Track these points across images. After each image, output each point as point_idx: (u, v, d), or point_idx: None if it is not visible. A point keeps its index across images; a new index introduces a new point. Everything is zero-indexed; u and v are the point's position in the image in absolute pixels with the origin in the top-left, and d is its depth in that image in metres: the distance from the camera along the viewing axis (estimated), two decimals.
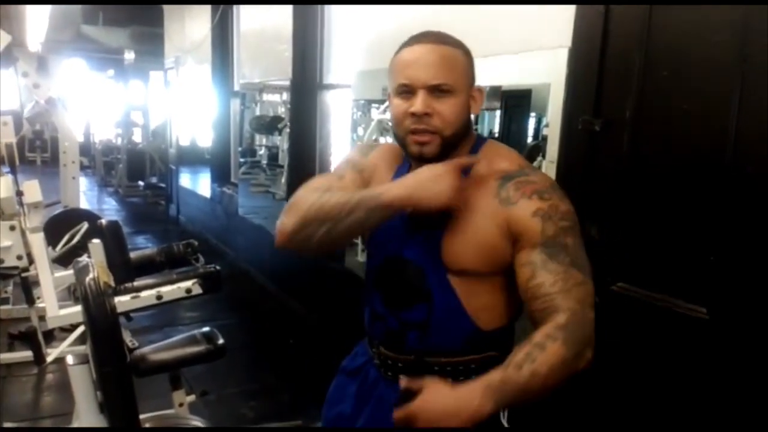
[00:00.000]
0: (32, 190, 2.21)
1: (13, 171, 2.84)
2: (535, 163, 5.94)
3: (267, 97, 7.93)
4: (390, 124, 5.16)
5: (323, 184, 1.19)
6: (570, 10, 1.92)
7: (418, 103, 1.07)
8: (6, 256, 1.90)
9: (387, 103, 5.28)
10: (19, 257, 1.90)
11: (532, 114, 6.49)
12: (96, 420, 1.07)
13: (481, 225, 1.10)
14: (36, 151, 12.19)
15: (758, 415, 1.46)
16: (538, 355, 0.95)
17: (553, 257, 1.05)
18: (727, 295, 1.52)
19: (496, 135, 7.26)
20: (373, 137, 5.89)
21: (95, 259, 1.02)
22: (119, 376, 0.96)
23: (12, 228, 1.88)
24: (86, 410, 1.07)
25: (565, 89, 1.97)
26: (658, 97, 1.68)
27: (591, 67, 1.84)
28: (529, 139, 6.62)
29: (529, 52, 2.90)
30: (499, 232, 1.09)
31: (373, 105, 6.65)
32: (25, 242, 1.93)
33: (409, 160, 1.19)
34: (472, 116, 1.17)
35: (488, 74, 6.26)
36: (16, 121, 3.22)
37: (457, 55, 1.11)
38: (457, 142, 1.12)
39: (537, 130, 6.42)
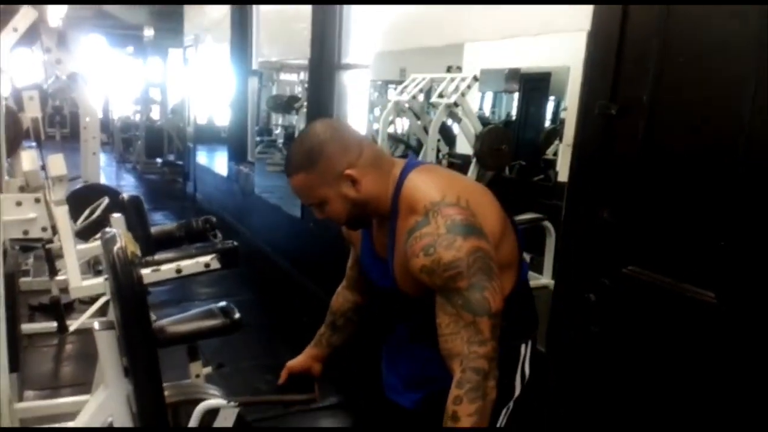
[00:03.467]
0: (57, 163, 2.26)
1: (39, 145, 2.90)
2: (552, 147, 5.90)
3: (284, 76, 7.97)
4: (406, 105, 5.15)
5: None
6: None
7: (316, 213, 1.34)
8: (31, 227, 1.95)
9: (404, 84, 5.29)
10: (44, 229, 1.95)
11: (552, 97, 6.44)
12: (120, 384, 1.12)
13: (406, 270, 1.26)
14: (56, 127, 12.32)
15: (766, 399, 1.48)
16: (457, 424, 1.14)
17: (449, 300, 1.19)
18: (736, 280, 1.53)
19: (513, 118, 7.22)
20: (390, 118, 5.91)
21: (127, 236, 1.07)
22: (145, 342, 1.01)
23: (37, 200, 1.93)
24: (111, 374, 1.12)
25: (583, 73, 1.98)
26: (675, 83, 1.68)
27: (609, 51, 1.84)
28: (548, 123, 6.59)
29: (549, 35, 2.90)
30: (414, 278, 1.24)
31: (390, 86, 6.65)
32: (49, 215, 1.98)
33: None
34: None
35: (507, 56, 6.23)
36: (41, 96, 3.27)
37: (301, 179, 1.28)
38: (361, 213, 1.32)
39: (556, 114, 6.37)
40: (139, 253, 1.05)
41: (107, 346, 1.08)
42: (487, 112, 9.10)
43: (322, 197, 1.29)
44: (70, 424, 1.21)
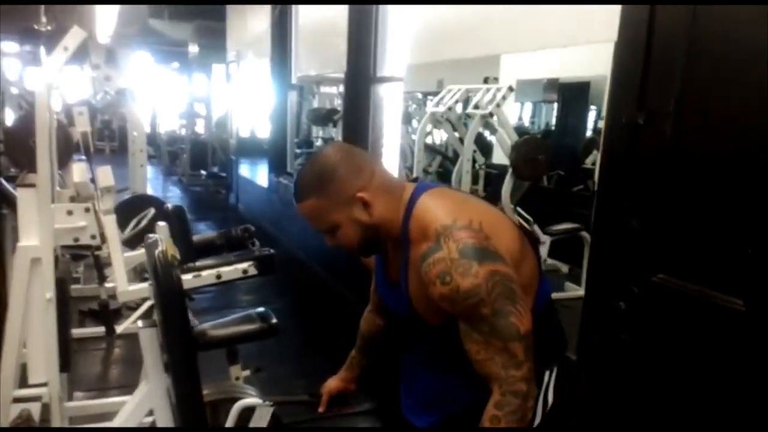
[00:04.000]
0: (105, 175, 2.40)
1: (88, 158, 3.07)
2: (591, 157, 5.83)
3: (324, 89, 8.12)
4: (443, 117, 5.18)
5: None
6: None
7: (326, 240, 1.35)
8: (81, 235, 2.08)
9: (440, 96, 5.34)
10: (93, 236, 2.08)
11: (592, 107, 6.37)
12: (161, 378, 1.20)
13: (424, 297, 1.25)
14: (105, 140, 12.81)
15: None
16: None
17: (474, 328, 1.18)
18: (764, 287, 1.53)
19: (552, 128, 7.16)
20: (427, 129, 5.96)
21: (168, 241, 1.15)
22: (183, 339, 1.08)
23: (87, 210, 2.06)
24: (153, 369, 1.21)
25: (611, 82, 2.00)
26: (701, 91, 1.70)
27: (636, 60, 1.86)
28: (589, 132, 6.52)
29: (587, 45, 2.91)
30: (434, 304, 1.23)
31: (429, 97, 6.69)
32: (98, 223, 2.11)
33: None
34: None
35: (544, 66, 6.19)
36: (90, 111, 3.45)
37: (310, 205, 1.28)
38: (374, 238, 1.31)
39: (595, 123, 6.31)
40: (178, 256, 1.13)
41: (149, 343, 1.16)
42: (526, 122, 9.08)
43: (334, 222, 1.27)
44: (116, 419, 1.30)
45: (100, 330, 3.60)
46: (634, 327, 1.89)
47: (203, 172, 10.75)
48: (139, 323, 1.19)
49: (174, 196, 9.59)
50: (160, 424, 1.21)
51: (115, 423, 1.25)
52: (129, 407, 1.23)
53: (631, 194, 1.90)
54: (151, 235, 1.21)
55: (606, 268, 2.03)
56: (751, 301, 1.56)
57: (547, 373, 1.38)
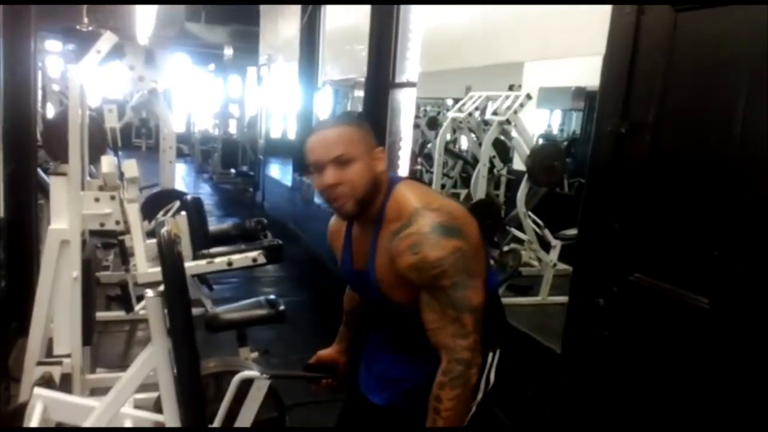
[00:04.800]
0: (131, 167, 2.60)
1: (116, 152, 3.30)
2: None
3: (358, 93, 8.29)
4: (463, 123, 5.31)
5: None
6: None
7: (328, 176, 1.35)
8: (106, 220, 2.28)
9: (461, 102, 5.44)
10: (117, 222, 2.27)
11: None
12: (164, 341, 1.37)
13: (391, 272, 1.36)
14: (141, 138, 13.20)
15: (755, 398, 1.57)
16: (440, 405, 1.29)
17: (434, 297, 1.31)
18: (727, 287, 1.63)
19: (577, 135, 7.17)
20: (448, 135, 6.08)
21: (173, 222, 1.32)
22: (182, 305, 1.25)
23: (112, 198, 2.25)
24: (157, 334, 1.38)
25: (598, 93, 2.12)
26: (678, 102, 1.80)
27: (621, 71, 1.98)
28: None
29: None
30: (399, 279, 1.34)
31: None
32: (122, 210, 2.30)
33: (349, 224, 1.52)
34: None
35: (572, 74, 6.26)
36: (119, 109, 3.68)
37: (349, 129, 1.38)
38: (369, 198, 1.38)
39: None
40: (180, 234, 1.30)
41: (154, 310, 1.33)
42: (555, 129, 9.11)
43: (355, 155, 1.35)
44: (125, 374, 1.47)
45: (125, 314, 3.84)
46: (612, 323, 2.01)
47: (233, 170, 11.04)
48: (149, 292, 1.36)
49: (204, 193, 9.88)
50: (161, 381, 1.37)
51: (125, 377, 1.42)
52: (136, 364, 1.40)
53: (614, 199, 2.01)
54: (160, 218, 1.38)
55: (589, 268, 2.15)
56: (715, 299, 1.67)
57: (490, 355, 1.51)
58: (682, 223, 1.79)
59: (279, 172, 8.15)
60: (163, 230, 1.27)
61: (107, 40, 2.17)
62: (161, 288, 1.50)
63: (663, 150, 1.85)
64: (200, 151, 12.24)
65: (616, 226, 2.00)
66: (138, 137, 13.10)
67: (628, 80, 1.96)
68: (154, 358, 1.37)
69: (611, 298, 2.01)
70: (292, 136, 8.39)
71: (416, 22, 4.06)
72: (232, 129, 12.21)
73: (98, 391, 2.72)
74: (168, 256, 1.23)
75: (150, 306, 1.35)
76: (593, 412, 2.12)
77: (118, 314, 3.81)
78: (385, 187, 1.41)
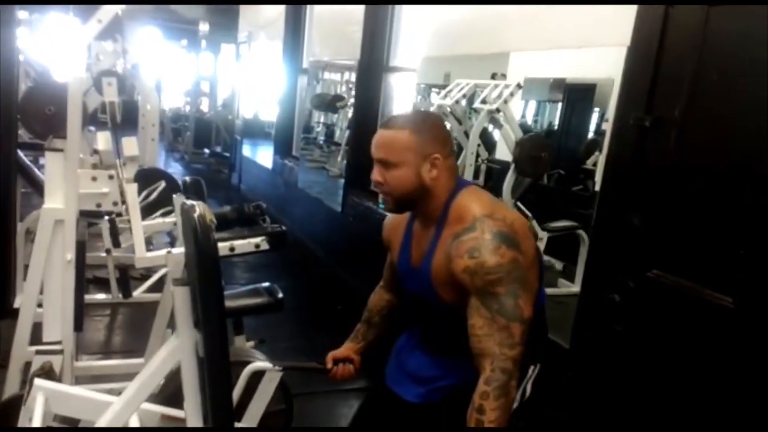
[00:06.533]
0: (130, 145, 2.48)
1: (114, 127, 3.15)
2: (592, 158, 5.89)
3: (328, 75, 8.16)
4: (449, 109, 5.25)
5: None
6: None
7: (375, 173, 1.44)
8: (104, 200, 2.16)
9: (448, 89, 5.41)
10: (115, 203, 2.16)
11: (596, 109, 6.44)
12: (191, 333, 1.29)
13: (446, 272, 1.37)
14: (105, 113, 12.74)
15: None
16: (483, 417, 1.27)
17: (485, 303, 1.31)
18: (754, 286, 1.63)
19: (556, 127, 7.24)
20: None
21: (203, 206, 1.23)
22: (218, 296, 1.17)
23: (111, 177, 2.14)
24: (183, 324, 1.29)
25: (621, 86, 2.09)
26: (707, 100, 1.79)
27: (647, 66, 1.95)
28: (590, 134, 6.58)
29: (595, 48, 2.98)
30: (452, 280, 1.36)
31: (434, 90, 6.73)
32: (121, 192, 2.19)
33: (411, 218, 1.54)
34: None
35: (552, 66, 6.24)
36: (119, 82, 3.52)
37: (402, 135, 1.39)
38: (412, 199, 1.43)
39: (598, 125, 6.38)
40: (215, 221, 1.22)
41: (182, 300, 1.25)
42: (529, 120, 9.14)
43: (402, 160, 1.39)
44: (146, 368, 1.39)
45: (104, 297, 3.70)
46: (627, 319, 2.00)
47: (206, 150, 10.77)
48: (172, 281, 1.27)
49: (176, 173, 9.60)
50: (186, 375, 1.29)
51: (146, 372, 1.33)
52: (159, 357, 1.32)
53: (634, 192, 1.99)
54: (186, 201, 1.29)
55: (603, 261, 2.13)
56: (740, 299, 1.66)
57: (531, 368, 1.52)
58: (706, 221, 1.78)
59: (254, 153, 8.00)
60: (196, 215, 1.19)
61: (108, 11, 2.04)
62: (177, 276, 1.42)
63: (689, 145, 1.83)
64: (171, 129, 11.91)
65: (636, 221, 1.98)
66: (103, 113, 12.65)
67: (654, 72, 1.93)
68: (179, 351, 1.29)
69: (627, 294, 2.00)
70: (270, 117, 8.21)
71: (413, 5, 3.99)
72: (205, 107, 11.90)
73: (83, 379, 2.61)
74: (204, 244, 1.15)
75: (178, 296, 1.26)
76: (600, 408, 2.12)
77: (98, 297, 3.68)
78: (444, 191, 1.43)
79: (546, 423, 2.07)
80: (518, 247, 1.32)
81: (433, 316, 1.54)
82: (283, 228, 2.41)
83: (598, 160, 5.21)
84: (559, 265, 4.98)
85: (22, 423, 1.52)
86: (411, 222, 1.55)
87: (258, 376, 1.84)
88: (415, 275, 1.48)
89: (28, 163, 3.46)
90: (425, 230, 1.48)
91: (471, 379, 1.32)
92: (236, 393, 1.78)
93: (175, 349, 1.30)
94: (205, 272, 1.16)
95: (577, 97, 6.65)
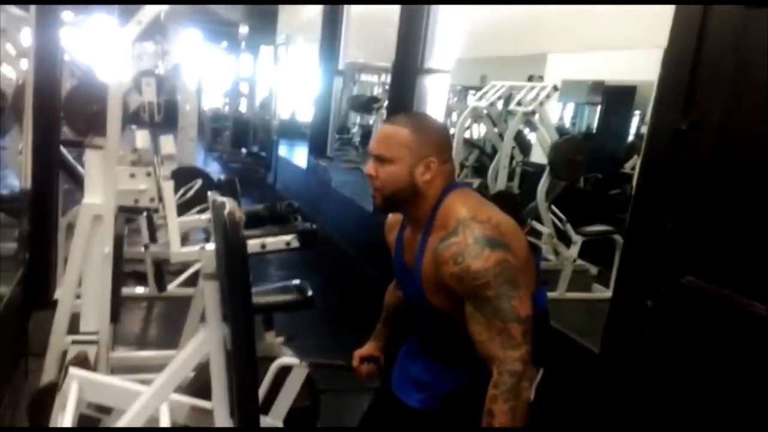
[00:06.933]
0: (168, 143, 2.55)
1: (153, 126, 3.24)
2: (631, 162, 5.78)
3: (365, 77, 8.21)
4: (484, 111, 5.23)
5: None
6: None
7: (368, 166, 1.43)
8: (141, 197, 2.23)
9: (483, 90, 5.36)
10: (152, 200, 2.22)
11: (637, 112, 6.31)
12: (219, 327, 1.32)
13: (435, 277, 1.36)
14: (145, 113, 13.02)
15: None
16: (493, 420, 1.25)
17: (478, 309, 1.29)
18: None
19: (594, 130, 7.12)
20: (467, 123, 6.01)
21: (233, 203, 1.26)
22: (245, 292, 1.20)
23: (148, 174, 2.20)
24: (212, 318, 1.32)
25: (657, 88, 2.05)
26: (747, 105, 1.74)
27: (684, 68, 1.91)
28: (631, 137, 6.46)
29: (635, 50, 2.92)
30: (442, 284, 1.34)
31: (470, 91, 6.68)
32: (158, 188, 2.25)
33: (403, 221, 1.53)
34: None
35: (591, 68, 6.18)
36: (158, 83, 3.61)
37: (402, 132, 1.40)
38: (401, 199, 1.42)
39: (638, 128, 6.25)
40: (244, 217, 1.24)
41: (212, 294, 1.28)
42: (567, 123, 9.02)
43: (397, 157, 1.39)
44: (176, 360, 1.42)
45: (140, 291, 3.79)
46: (660, 325, 1.96)
47: (244, 150, 10.94)
48: (202, 276, 1.30)
49: (214, 171, 9.78)
50: (214, 368, 1.32)
51: (175, 363, 1.37)
52: (188, 349, 1.35)
53: (669, 197, 1.95)
54: (217, 198, 1.32)
55: (636, 267, 2.10)
56: None
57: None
58: (744, 228, 1.73)
59: (290, 153, 8.10)
60: (226, 212, 1.21)
61: (150, 11, 2.09)
62: (209, 270, 1.45)
63: (728, 150, 1.79)
64: (210, 129, 12.12)
65: (670, 225, 1.94)
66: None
67: (692, 75, 1.89)
68: (207, 344, 1.32)
69: (659, 300, 1.96)
70: (307, 118, 8.30)
71: (448, 6, 3.98)
72: (243, 108, 12.09)
73: (119, 369, 2.68)
74: (233, 241, 1.17)
75: (208, 290, 1.29)
76: (629, 414, 2.08)
77: (134, 291, 3.77)
78: (433, 195, 1.42)
79: (562, 425, 2.05)
80: (506, 247, 1.30)
81: (426, 323, 1.53)
82: (314, 226, 2.44)
83: (637, 164, 5.12)
84: (594, 270, 4.91)
85: (56, 409, 1.57)
86: (403, 225, 1.54)
87: (285, 371, 1.86)
88: (409, 277, 1.48)
89: (71, 159, 3.57)
90: (414, 234, 1.47)
91: (467, 384, 1.33)
92: (264, 388, 1.81)
93: (203, 342, 1.33)
94: (233, 267, 1.18)
95: (616, 99, 6.55)
